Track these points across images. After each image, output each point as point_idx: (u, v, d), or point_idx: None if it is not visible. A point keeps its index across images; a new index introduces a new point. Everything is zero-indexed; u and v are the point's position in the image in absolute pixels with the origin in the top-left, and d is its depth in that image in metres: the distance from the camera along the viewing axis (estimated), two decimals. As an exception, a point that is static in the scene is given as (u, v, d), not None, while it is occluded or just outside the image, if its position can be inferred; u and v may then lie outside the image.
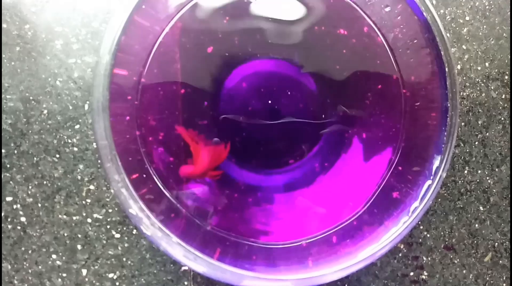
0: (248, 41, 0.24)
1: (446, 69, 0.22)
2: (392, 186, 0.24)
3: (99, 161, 0.25)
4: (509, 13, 0.28)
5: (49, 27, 0.24)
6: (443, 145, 0.22)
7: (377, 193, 0.24)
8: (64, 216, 0.25)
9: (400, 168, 0.24)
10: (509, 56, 0.28)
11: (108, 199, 0.25)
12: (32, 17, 0.24)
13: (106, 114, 0.20)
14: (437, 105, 0.24)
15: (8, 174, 0.25)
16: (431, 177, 0.22)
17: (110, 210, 0.25)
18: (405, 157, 0.24)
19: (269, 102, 0.25)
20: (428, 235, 0.27)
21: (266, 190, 0.25)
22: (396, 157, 0.25)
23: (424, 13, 0.24)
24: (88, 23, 0.24)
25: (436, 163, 0.22)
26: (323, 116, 0.25)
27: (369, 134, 0.25)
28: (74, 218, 0.25)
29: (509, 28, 0.28)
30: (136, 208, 0.20)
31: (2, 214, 0.25)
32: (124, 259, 0.26)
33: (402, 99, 0.25)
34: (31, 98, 0.25)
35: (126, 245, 0.26)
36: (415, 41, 0.24)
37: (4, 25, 0.24)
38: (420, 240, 0.27)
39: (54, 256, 0.25)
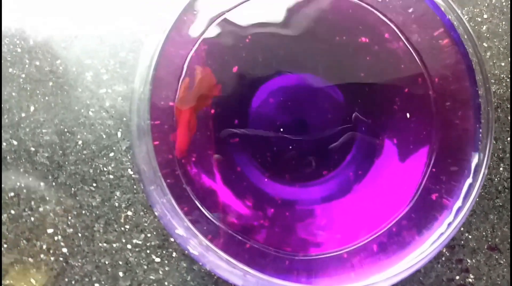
0: (272, 58, 0.24)
1: (475, 65, 0.22)
2: (430, 188, 0.23)
3: (135, 186, 0.25)
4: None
5: (79, 60, 0.25)
6: (479, 142, 0.21)
7: (415, 197, 0.23)
8: (105, 244, 0.25)
9: (436, 169, 0.23)
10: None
11: (146, 224, 0.25)
12: (63, 52, 0.25)
13: (148, 138, 0.19)
14: (468, 103, 0.23)
15: (48, 207, 0.25)
16: (471, 176, 0.21)
17: (149, 235, 0.25)
18: (440, 158, 0.24)
19: (297, 115, 0.24)
20: (470, 237, 0.26)
21: (303, 203, 0.24)
22: (431, 159, 0.24)
23: (447, 13, 0.23)
24: (115, 54, 0.25)
25: (475, 160, 0.22)
26: (352, 124, 0.24)
27: (401, 138, 0.24)
28: (114, 245, 0.25)
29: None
30: (182, 228, 0.19)
31: (44, 246, 0.25)
32: (166, 283, 0.25)
33: (430, 100, 0.24)
34: (65, 130, 0.25)
35: (166, 268, 0.25)
36: (440, 41, 0.23)
37: (37, 63, 0.25)
38: (462, 242, 0.26)
39: (97, 285, 0.25)
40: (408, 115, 0.24)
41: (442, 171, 0.23)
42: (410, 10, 0.23)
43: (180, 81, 0.24)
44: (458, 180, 0.22)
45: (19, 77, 0.25)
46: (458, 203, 0.21)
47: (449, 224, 0.20)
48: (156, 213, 0.19)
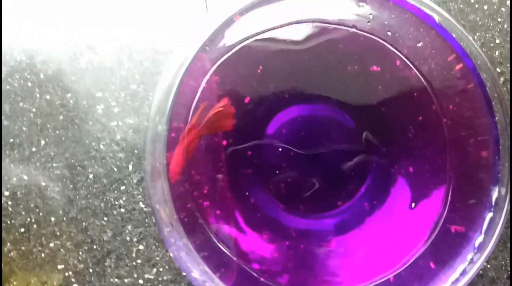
0: (284, 88, 0.24)
1: (490, 91, 0.21)
2: (449, 220, 0.23)
3: (146, 220, 0.25)
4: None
5: (89, 93, 0.24)
6: (498, 174, 0.21)
7: (434, 229, 0.23)
8: (116, 279, 0.24)
9: (454, 200, 0.23)
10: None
11: (158, 258, 0.25)
12: (73, 85, 0.24)
13: (164, 179, 0.19)
14: (484, 133, 0.23)
15: (58, 242, 0.24)
16: (492, 209, 0.21)
17: (161, 269, 0.25)
18: (457, 189, 0.23)
19: (311, 146, 0.24)
20: (488, 266, 0.25)
21: (318, 235, 0.24)
22: (447, 189, 0.23)
23: (458, 40, 0.23)
24: (126, 86, 0.24)
25: (495, 194, 0.21)
26: (366, 155, 0.24)
27: (416, 167, 0.24)
28: (126, 280, 0.24)
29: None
30: (198, 271, 0.19)
31: (54, 282, 0.24)
32: (179, 318, 0.24)
33: (444, 128, 0.24)
34: (76, 164, 0.24)
35: (179, 303, 0.25)
36: (452, 67, 0.23)
37: (47, 96, 0.24)
38: (481, 271, 0.25)
39: (108, 321, 0.24)
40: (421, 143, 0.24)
41: (460, 202, 0.23)
42: (420, 44, 0.23)
43: (191, 112, 0.23)
44: (478, 213, 0.21)
45: (29, 111, 0.24)
46: (480, 238, 0.20)
47: (472, 260, 0.20)
48: (171, 254, 0.19)
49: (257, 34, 0.23)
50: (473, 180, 0.23)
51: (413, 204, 0.24)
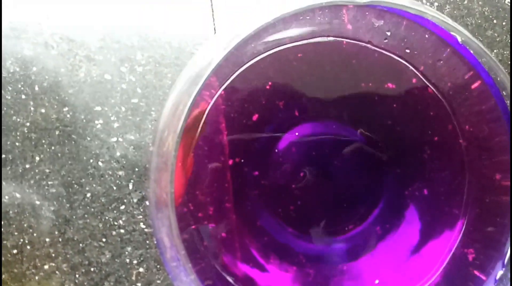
0: (294, 105, 0.22)
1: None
2: (465, 247, 0.21)
3: (147, 241, 0.23)
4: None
5: (88, 107, 0.23)
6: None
7: (448, 257, 0.22)
8: (114, 304, 0.23)
9: (471, 227, 0.22)
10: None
11: (159, 281, 0.23)
12: (71, 98, 0.23)
13: (171, 210, 0.17)
14: (504, 152, 0.22)
15: (53, 264, 0.23)
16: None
17: (162, 293, 0.23)
18: (475, 215, 0.22)
19: (321, 166, 0.23)
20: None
21: (327, 260, 0.22)
22: (464, 214, 0.22)
23: (477, 56, 0.22)
24: (127, 100, 0.23)
25: (516, 222, 0.20)
26: (379, 175, 0.23)
27: (431, 190, 0.23)
28: (125, 304, 0.23)
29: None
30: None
31: (49, 307, 0.23)
32: None
33: (461, 150, 0.23)
34: (73, 182, 0.23)
35: (181, 329, 0.23)
36: (470, 85, 0.22)
37: (42, 110, 0.23)
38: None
39: None
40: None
41: (478, 230, 0.21)
42: (440, 63, 0.22)
43: (198, 132, 0.22)
44: (497, 242, 0.20)
45: (23, 125, 0.23)
46: (501, 271, 0.19)
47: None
48: (154, 271, 0.17)
49: (267, 49, 0.22)
50: (491, 205, 0.22)
51: (427, 229, 0.23)
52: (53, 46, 0.23)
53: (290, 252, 0.23)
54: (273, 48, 0.21)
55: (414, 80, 0.23)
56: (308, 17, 0.20)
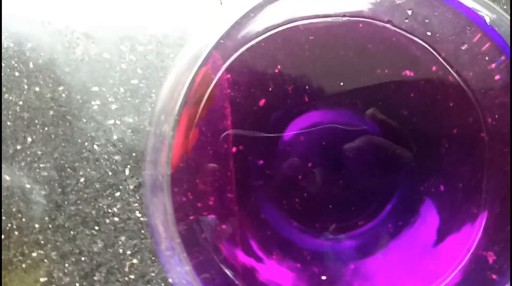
0: (304, 91, 0.21)
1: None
2: (484, 248, 0.20)
3: (142, 231, 0.22)
4: None
5: (84, 87, 0.21)
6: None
7: (466, 257, 0.20)
8: (105, 297, 0.21)
9: (490, 227, 0.20)
10: None
11: (153, 274, 0.22)
12: (66, 77, 0.21)
13: (167, 195, 0.16)
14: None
15: (42, 252, 0.21)
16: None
17: (156, 287, 0.22)
18: (494, 213, 0.20)
19: (331, 157, 0.21)
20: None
21: (334, 258, 0.21)
22: (482, 213, 0.20)
23: (509, 43, 0.20)
24: (126, 81, 0.21)
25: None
26: (393, 168, 0.21)
27: (448, 186, 0.21)
28: (117, 297, 0.21)
29: None
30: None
31: (37, 297, 0.21)
32: None
33: (484, 144, 0.21)
34: (66, 165, 0.21)
35: (175, 326, 0.22)
36: (495, 77, 0.20)
37: (36, 88, 0.21)
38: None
39: None
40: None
41: (498, 229, 0.20)
42: (464, 47, 0.20)
43: (198, 114, 0.20)
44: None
45: (15, 104, 0.21)
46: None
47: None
48: (170, 280, 0.16)
49: (276, 26, 0.20)
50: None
51: (443, 228, 0.21)
52: (50, 21, 0.21)
53: (295, 248, 0.21)
54: (283, 25, 0.20)
55: (434, 68, 0.21)
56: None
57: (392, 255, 0.21)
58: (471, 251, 0.20)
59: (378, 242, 0.20)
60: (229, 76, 0.20)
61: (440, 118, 0.21)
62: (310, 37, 0.20)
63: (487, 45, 0.21)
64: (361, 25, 0.20)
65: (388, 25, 0.19)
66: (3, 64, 0.21)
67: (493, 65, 0.21)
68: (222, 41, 0.18)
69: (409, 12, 0.19)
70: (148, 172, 0.16)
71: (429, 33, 0.19)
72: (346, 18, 0.19)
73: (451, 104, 0.21)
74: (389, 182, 0.21)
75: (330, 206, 0.21)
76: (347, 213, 0.21)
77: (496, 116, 0.21)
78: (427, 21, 0.19)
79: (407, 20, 0.19)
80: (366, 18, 0.20)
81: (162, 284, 0.22)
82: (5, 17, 0.21)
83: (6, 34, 0.21)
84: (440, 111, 0.21)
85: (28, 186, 0.21)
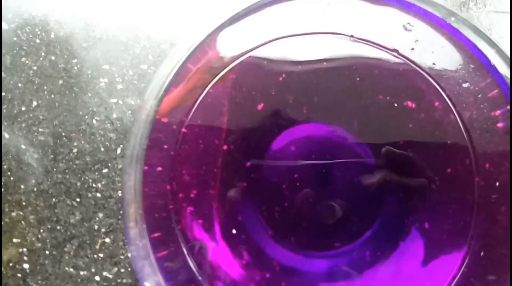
0: (304, 103, 0.21)
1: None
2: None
3: (121, 212, 0.21)
4: None
5: (96, 64, 0.22)
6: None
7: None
8: (71, 269, 0.21)
9: (470, 273, 0.19)
10: None
11: (122, 257, 0.21)
12: (82, 52, 0.22)
13: (140, 166, 0.16)
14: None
15: (21, 213, 0.21)
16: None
17: (122, 270, 0.21)
18: (477, 260, 0.19)
19: (319, 171, 0.21)
20: None
21: (304, 275, 0.20)
22: (464, 258, 0.19)
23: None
24: (136, 65, 0.22)
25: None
26: (380, 195, 0.20)
27: (434, 224, 0.20)
28: (82, 273, 0.21)
29: None
30: (152, 282, 0.16)
31: (5, 257, 0.21)
32: (128, 330, 0.21)
33: (474, 188, 0.20)
34: (63, 134, 0.22)
35: (133, 314, 0.21)
36: (498, 124, 0.20)
37: (52, 57, 0.22)
38: None
39: (51, 315, 0.21)
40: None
41: (477, 277, 0.19)
42: (466, 85, 0.20)
43: (195, 106, 0.20)
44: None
45: (30, 68, 0.22)
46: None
47: None
48: (129, 254, 0.16)
49: (287, 36, 0.20)
50: (497, 254, 0.19)
51: (421, 266, 0.20)
52: (79, -1, 0.22)
53: (266, 257, 0.20)
54: (294, 36, 0.20)
55: (437, 103, 0.20)
56: (332, 8, 0.19)
57: (365, 283, 0.20)
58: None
59: (352, 268, 0.20)
60: (233, 76, 0.20)
61: (435, 154, 0.21)
62: (320, 51, 0.20)
63: (495, 91, 0.20)
64: (369, 49, 0.20)
65: (394, 53, 0.20)
66: (27, 30, 0.22)
67: (498, 112, 0.20)
68: (213, 38, 0.18)
69: (416, 42, 0.19)
70: (130, 144, 0.16)
71: (434, 65, 0.19)
72: (354, 39, 0.20)
73: (448, 142, 0.20)
74: (373, 208, 0.20)
75: (309, 221, 0.20)
76: (325, 230, 0.20)
77: (494, 163, 0.20)
78: (433, 52, 0.19)
79: (413, 50, 0.19)
80: (373, 43, 0.20)
81: (129, 269, 0.21)
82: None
83: (36, 2, 0.22)
84: (436, 147, 0.20)
85: (23, 147, 0.22)
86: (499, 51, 0.19)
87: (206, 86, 0.20)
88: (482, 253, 0.19)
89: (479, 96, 0.20)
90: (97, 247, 0.21)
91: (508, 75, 0.19)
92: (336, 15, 0.19)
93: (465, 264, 0.19)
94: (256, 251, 0.20)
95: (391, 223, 0.20)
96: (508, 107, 0.20)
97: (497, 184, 0.20)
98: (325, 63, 0.20)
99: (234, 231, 0.19)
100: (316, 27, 0.19)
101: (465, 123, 0.20)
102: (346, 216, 0.20)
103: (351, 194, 0.20)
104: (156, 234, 0.19)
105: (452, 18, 0.18)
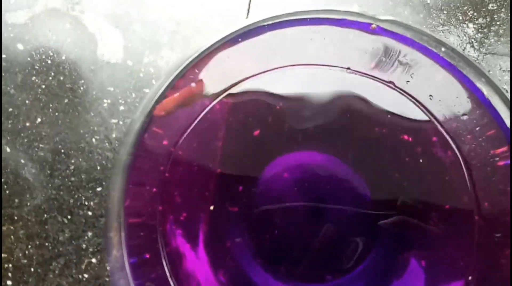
0: (299, 131, 0.21)
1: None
2: None
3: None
4: None
5: (101, 85, 0.22)
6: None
7: None
8: (54, 289, 0.20)
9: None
10: None
11: (107, 279, 0.21)
12: (89, 74, 0.23)
13: (124, 175, 0.16)
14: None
15: (12, 227, 0.21)
16: None
17: (105, 293, 0.20)
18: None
19: (312, 201, 0.20)
20: None
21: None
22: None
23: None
24: (140, 88, 0.22)
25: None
26: (375, 229, 0.20)
27: (431, 263, 0.19)
28: (64, 293, 0.20)
29: None
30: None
31: (-10, 271, 0.21)
32: None
33: (475, 227, 0.19)
34: (62, 151, 0.22)
35: None
36: (497, 159, 0.19)
37: (60, 77, 0.23)
38: None
39: (28, 336, 0.20)
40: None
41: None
42: (465, 118, 0.19)
43: (189, 129, 0.21)
44: None
45: (39, 86, 0.23)
46: None
47: None
48: (107, 265, 0.15)
49: (284, 66, 0.21)
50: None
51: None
52: (91, 25, 0.24)
53: (254, 285, 0.19)
54: (289, 66, 0.20)
55: (435, 138, 0.20)
56: (329, 42, 0.19)
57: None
58: None
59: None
60: (230, 101, 0.21)
61: (433, 190, 0.20)
62: (317, 82, 0.21)
63: (492, 131, 0.20)
64: (365, 81, 0.20)
65: (390, 85, 0.20)
66: (41, 51, 0.23)
67: (498, 151, 0.20)
68: (207, 62, 0.18)
69: (412, 75, 0.19)
70: (120, 154, 0.16)
71: (430, 98, 0.19)
72: (350, 71, 0.20)
73: (446, 178, 0.20)
74: (365, 242, 0.19)
75: (300, 251, 0.19)
76: (316, 262, 0.19)
77: (495, 202, 0.20)
78: (429, 85, 0.19)
79: (408, 82, 0.19)
80: (369, 75, 0.20)
81: (113, 292, 0.20)
82: (56, 14, 0.24)
83: (53, 27, 0.24)
84: (433, 182, 0.20)
85: (22, 161, 0.22)
86: (496, 89, 0.19)
87: (203, 110, 0.20)
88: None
89: (477, 129, 0.19)
90: (83, 267, 0.20)
91: (507, 117, 0.19)
92: (333, 48, 0.19)
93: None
94: (244, 282, 0.19)
95: (385, 259, 0.19)
96: (503, 148, 0.19)
97: (499, 224, 0.19)
98: (322, 93, 0.20)
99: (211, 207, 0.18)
100: (314, 59, 0.20)
101: (464, 159, 0.19)
102: (338, 250, 0.19)
103: (344, 228, 0.19)
104: (145, 256, 0.18)
105: (444, 49, 0.18)
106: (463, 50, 0.22)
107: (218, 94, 0.21)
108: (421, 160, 0.20)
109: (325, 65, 0.20)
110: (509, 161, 0.19)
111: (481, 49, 0.21)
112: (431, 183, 0.20)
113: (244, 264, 0.19)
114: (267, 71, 0.21)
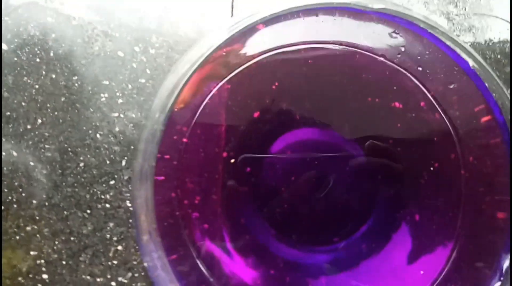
0: (296, 109, 0.21)
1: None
2: (451, 281, 0.20)
3: (130, 220, 0.22)
4: None
5: (96, 80, 0.22)
6: (515, 243, 0.18)
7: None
8: (88, 277, 0.22)
9: (459, 261, 0.20)
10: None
11: (135, 262, 0.22)
12: (81, 69, 0.22)
13: (149, 184, 0.17)
14: (503, 193, 0.20)
15: (36, 227, 0.22)
16: (501, 278, 0.18)
17: (136, 275, 0.22)
18: (465, 248, 0.20)
19: (315, 172, 0.22)
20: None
21: (307, 269, 0.21)
22: (454, 246, 0.21)
23: (491, 91, 0.20)
24: (135, 79, 0.22)
25: (506, 262, 0.18)
26: (372, 192, 0.21)
27: (423, 217, 0.21)
28: (98, 279, 0.22)
29: None
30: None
31: (24, 269, 0.22)
32: (145, 330, 0.22)
33: (461, 181, 0.21)
34: (69, 149, 0.22)
35: (148, 314, 0.22)
36: (480, 118, 0.21)
37: (53, 75, 0.22)
38: None
39: (71, 319, 0.22)
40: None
41: (466, 263, 0.20)
42: (452, 86, 0.20)
43: (195, 117, 0.21)
44: (485, 280, 0.19)
45: (32, 87, 0.23)
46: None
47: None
48: (145, 264, 0.17)
49: (279, 47, 0.21)
50: (483, 242, 0.21)
51: (413, 255, 0.21)
52: (75, 17, 0.23)
53: (270, 254, 0.21)
54: (285, 47, 0.21)
55: (422, 103, 0.21)
56: (322, 21, 0.20)
57: (361, 275, 0.21)
58: (439, 281, 0.20)
59: (350, 260, 0.21)
60: (229, 86, 0.21)
61: (422, 151, 0.21)
62: (309, 61, 0.21)
63: (473, 90, 0.21)
64: (357, 55, 0.21)
65: (381, 59, 0.20)
66: (27, 49, 0.22)
67: (477, 109, 0.21)
68: (224, 53, 0.19)
69: (402, 48, 0.19)
70: (138, 161, 0.17)
71: (420, 69, 0.20)
72: (343, 46, 0.20)
73: (435, 139, 0.21)
74: (366, 205, 0.21)
75: (308, 219, 0.21)
76: (324, 227, 0.21)
77: (478, 156, 0.21)
78: (418, 57, 0.20)
79: (399, 55, 0.20)
80: (361, 49, 0.20)
81: (142, 273, 0.22)
82: (35, 7, 0.23)
83: (34, 23, 0.23)
84: (423, 144, 0.21)
85: (32, 163, 0.22)
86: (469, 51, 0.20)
87: (205, 98, 0.21)
88: (470, 244, 0.20)
89: (461, 93, 0.21)
90: (111, 254, 0.22)
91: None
92: (327, 28, 0.20)
93: (454, 252, 0.20)
94: (260, 251, 0.21)
95: (384, 218, 0.21)
96: (484, 104, 0.21)
97: (483, 176, 0.21)
98: (315, 71, 0.21)
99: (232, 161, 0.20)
100: (308, 38, 0.20)
101: (450, 120, 0.21)
102: (342, 214, 0.21)
103: (346, 194, 0.21)
104: (166, 241, 0.20)
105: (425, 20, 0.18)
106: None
107: (217, 80, 0.21)
108: (411, 125, 0.21)
109: (318, 42, 0.21)
110: (489, 117, 0.21)
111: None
112: (421, 145, 0.21)
113: (259, 236, 0.21)
114: (262, 53, 0.21)
